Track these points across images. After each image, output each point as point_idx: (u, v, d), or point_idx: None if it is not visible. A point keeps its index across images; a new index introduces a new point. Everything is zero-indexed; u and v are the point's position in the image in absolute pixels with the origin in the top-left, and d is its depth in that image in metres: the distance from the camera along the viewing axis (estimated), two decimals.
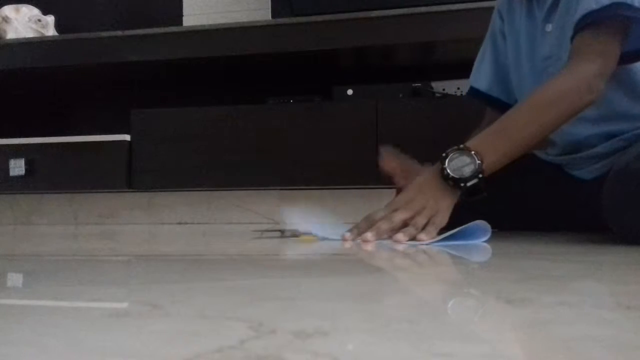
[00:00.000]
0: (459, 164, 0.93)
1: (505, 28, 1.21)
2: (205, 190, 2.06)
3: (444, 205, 0.93)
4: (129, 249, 0.98)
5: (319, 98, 1.97)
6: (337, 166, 1.87)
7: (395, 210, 0.93)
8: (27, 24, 2.22)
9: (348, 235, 0.95)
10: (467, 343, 0.30)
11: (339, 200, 1.96)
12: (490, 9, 1.77)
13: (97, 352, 0.28)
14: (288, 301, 0.42)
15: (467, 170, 0.92)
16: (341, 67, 2.12)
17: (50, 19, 2.29)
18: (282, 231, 1.19)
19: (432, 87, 1.91)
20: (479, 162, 0.92)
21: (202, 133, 1.97)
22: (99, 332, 0.33)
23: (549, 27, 1.08)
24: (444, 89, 1.91)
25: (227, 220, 2.06)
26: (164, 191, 2.10)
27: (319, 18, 1.89)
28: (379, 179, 1.83)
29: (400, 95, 1.89)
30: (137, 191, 2.08)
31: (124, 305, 0.42)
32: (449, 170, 0.93)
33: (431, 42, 1.85)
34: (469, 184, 0.92)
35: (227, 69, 2.12)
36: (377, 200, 1.88)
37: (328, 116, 1.90)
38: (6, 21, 2.20)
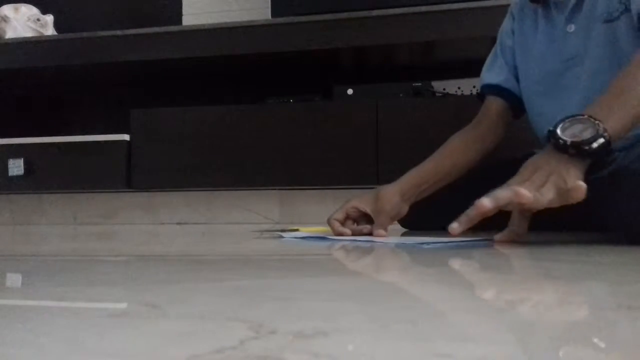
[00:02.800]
0: (574, 131, 0.79)
1: (515, 27, 1.22)
2: (205, 190, 2.06)
3: (571, 175, 0.78)
4: (128, 249, 0.98)
5: (319, 98, 1.97)
6: (337, 166, 1.87)
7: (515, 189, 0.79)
8: (26, 23, 2.22)
9: (456, 225, 0.84)
10: (467, 343, 0.30)
11: (339, 200, 1.96)
12: (491, 8, 1.78)
13: (95, 352, 0.28)
14: (288, 301, 0.42)
15: (587, 134, 0.78)
16: (341, 67, 2.12)
17: (50, 18, 2.29)
18: (282, 231, 1.19)
19: (432, 87, 1.91)
20: (598, 122, 0.78)
21: (202, 133, 1.97)
22: (97, 332, 0.33)
23: (572, 28, 1.09)
24: (444, 89, 1.91)
25: (227, 220, 2.06)
26: (164, 191, 2.10)
27: (319, 18, 1.89)
28: (379, 179, 1.84)
29: (401, 95, 1.89)
30: (137, 191, 2.08)
31: (123, 305, 0.42)
32: (565, 138, 0.78)
33: (431, 41, 1.85)
34: (594, 145, 0.77)
35: (227, 68, 2.12)
36: None
37: (328, 116, 1.90)
38: (5, 21, 2.20)
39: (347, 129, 1.87)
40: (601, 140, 0.78)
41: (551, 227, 1.20)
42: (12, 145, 2.08)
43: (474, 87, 1.90)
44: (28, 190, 2.11)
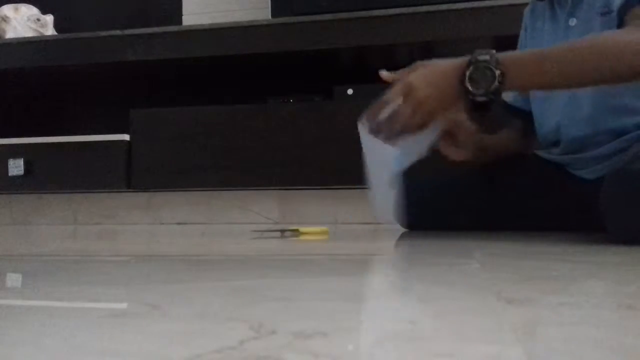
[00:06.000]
0: (478, 76, 0.89)
1: (527, 38, 1.22)
2: (205, 190, 2.06)
3: (440, 107, 0.91)
4: (128, 249, 0.98)
5: (319, 98, 1.97)
6: (337, 166, 1.87)
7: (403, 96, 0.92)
8: (26, 23, 2.22)
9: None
10: (467, 343, 0.30)
11: (339, 200, 1.96)
12: (490, 8, 1.78)
13: (96, 352, 0.28)
14: (288, 301, 0.42)
15: (482, 86, 0.89)
16: (341, 67, 2.12)
17: (49, 18, 2.29)
18: (282, 231, 1.19)
19: None
20: (497, 84, 0.88)
21: (202, 133, 1.97)
22: (98, 332, 0.33)
23: (573, 22, 1.10)
24: None
25: (227, 220, 2.06)
26: (164, 191, 2.10)
27: (319, 18, 1.89)
28: None
29: None
30: (137, 191, 2.08)
31: (124, 305, 0.42)
32: (466, 77, 0.89)
33: (431, 41, 1.85)
34: (478, 99, 0.89)
35: (227, 68, 2.12)
36: None
37: (328, 116, 1.90)
38: (5, 21, 2.20)
39: (347, 129, 1.86)
40: (483, 98, 0.88)
41: (552, 226, 1.20)
42: (12, 145, 2.08)
43: None
44: (28, 190, 2.11)
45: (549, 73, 0.90)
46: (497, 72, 0.88)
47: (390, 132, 0.93)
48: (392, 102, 0.92)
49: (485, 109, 0.91)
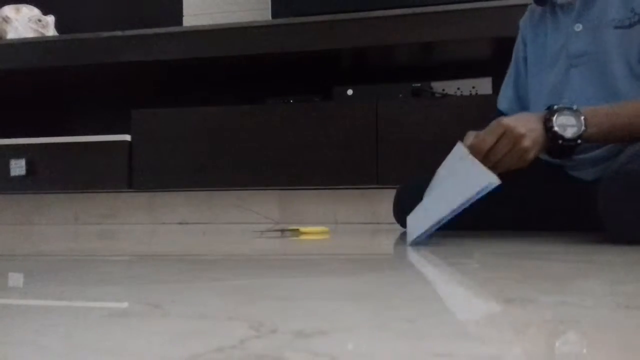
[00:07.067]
0: (564, 122, 0.94)
1: (528, 51, 1.22)
2: (205, 190, 2.06)
3: (535, 148, 0.94)
4: (129, 249, 0.98)
5: (319, 98, 1.97)
6: (337, 166, 1.87)
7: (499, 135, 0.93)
8: (27, 24, 2.22)
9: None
10: (467, 343, 0.30)
11: (339, 201, 1.96)
12: (490, 9, 1.78)
13: (96, 352, 0.28)
14: (288, 301, 0.42)
15: (570, 132, 0.94)
16: (341, 67, 2.12)
17: (51, 19, 2.29)
18: (282, 231, 1.19)
19: (431, 87, 1.91)
20: (584, 128, 0.94)
21: (202, 133, 1.97)
22: (98, 332, 0.33)
23: (579, 27, 1.11)
24: (443, 89, 1.91)
25: (227, 220, 2.06)
26: (164, 191, 2.10)
27: (319, 18, 1.89)
28: (379, 179, 1.84)
29: (400, 95, 1.89)
30: (138, 191, 2.08)
31: (124, 305, 0.42)
32: (554, 122, 0.94)
33: (431, 42, 1.85)
34: (565, 143, 0.94)
35: (227, 69, 2.12)
36: (377, 201, 1.88)
37: (328, 116, 1.90)
38: (6, 21, 2.20)
39: (347, 129, 1.87)
40: (572, 143, 0.94)
41: (551, 227, 1.20)
42: (14, 145, 2.08)
43: (473, 87, 1.90)
44: (30, 190, 2.11)
45: (621, 128, 0.97)
46: (582, 117, 0.94)
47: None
48: (488, 140, 0.94)
49: (569, 152, 0.95)
